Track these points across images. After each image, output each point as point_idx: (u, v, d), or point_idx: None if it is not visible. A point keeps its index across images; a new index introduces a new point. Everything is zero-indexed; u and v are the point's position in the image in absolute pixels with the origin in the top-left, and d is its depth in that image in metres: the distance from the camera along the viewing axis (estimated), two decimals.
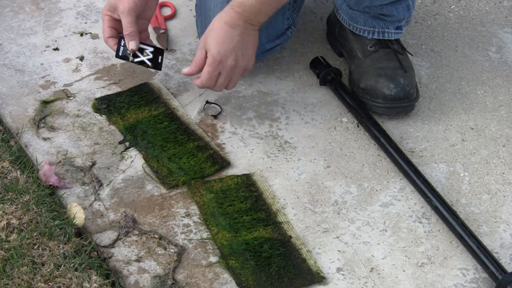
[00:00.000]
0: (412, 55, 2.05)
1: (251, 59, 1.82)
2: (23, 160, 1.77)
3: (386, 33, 1.95)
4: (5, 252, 1.56)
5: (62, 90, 1.96)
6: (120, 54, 1.87)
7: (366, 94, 1.91)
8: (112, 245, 1.64)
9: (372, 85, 1.90)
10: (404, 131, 1.91)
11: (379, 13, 1.92)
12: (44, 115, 1.89)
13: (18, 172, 1.72)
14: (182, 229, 1.68)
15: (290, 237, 1.66)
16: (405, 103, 1.90)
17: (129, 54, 1.87)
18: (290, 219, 1.70)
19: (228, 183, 1.76)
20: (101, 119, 1.89)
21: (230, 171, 1.79)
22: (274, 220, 1.69)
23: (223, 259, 1.61)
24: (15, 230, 1.60)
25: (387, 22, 1.94)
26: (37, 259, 1.56)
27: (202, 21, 1.96)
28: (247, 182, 1.76)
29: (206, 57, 1.79)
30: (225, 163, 1.80)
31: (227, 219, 1.68)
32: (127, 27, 1.84)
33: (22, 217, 1.63)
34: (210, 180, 1.76)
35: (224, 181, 1.76)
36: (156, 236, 1.66)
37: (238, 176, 1.78)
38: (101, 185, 1.75)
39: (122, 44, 1.87)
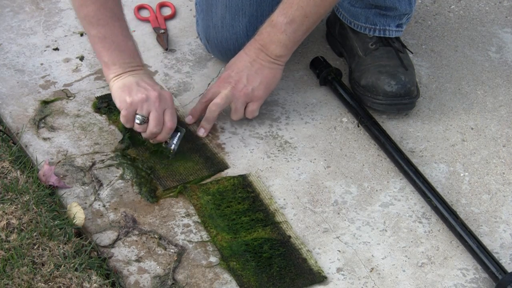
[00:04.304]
0: (412, 53, 2.05)
1: (260, 88, 1.82)
2: (23, 160, 1.77)
3: (387, 30, 1.96)
4: (5, 252, 1.55)
5: (62, 90, 1.96)
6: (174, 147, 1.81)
7: (367, 92, 1.91)
8: (112, 245, 1.64)
9: (373, 82, 1.90)
10: (404, 131, 1.91)
11: (382, 5, 1.92)
12: (44, 115, 1.89)
13: (18, 172, 1.72)
14: (182, 229, 1.68)
15: (290, 237, 1.66)
16: (406, 100, 1.90)
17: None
18: (290, 219, 1.70)
19: (224, 184, 1.76)
20: (101, 119, 1.89)
21: (230, 172, 1.79)
22: (273, 220, 1.69)
23: (224, 261, 1.61)
24: (15, 230, 1.60)
25: (388, 19, 1.94)
26: (37, 259, 1.56)
27: (204, 18, 1.96)
28: (244, 183, 1.76)
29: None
30: (223, 166, 1.80)
31: (226, 220, 1.68)
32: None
33: (22, 217, 1.62)
34: (206, 182, 1.76)
35: (221, 182, 1.76)
36: (156, 236, 1.65)
37: (234, 177, 1.77)
38: (101, 185, 1.75)
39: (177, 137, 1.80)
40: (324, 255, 1.64)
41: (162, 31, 2.12)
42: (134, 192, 1.74)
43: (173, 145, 1.79)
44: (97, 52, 1.78)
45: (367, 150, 1.86)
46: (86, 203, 1.71)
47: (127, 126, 1.77)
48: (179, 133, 1.79)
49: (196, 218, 1.69)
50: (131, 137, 1.83)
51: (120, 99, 1.75)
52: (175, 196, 1.73)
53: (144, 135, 1.78)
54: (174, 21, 2.17)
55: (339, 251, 1.65)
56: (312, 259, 1.62)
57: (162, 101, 1.74)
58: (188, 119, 1.87)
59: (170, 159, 1.80)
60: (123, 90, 1.75)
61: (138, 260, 1.61)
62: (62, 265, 1.55)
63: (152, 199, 1.72)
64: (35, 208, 1.64)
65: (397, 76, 1.89)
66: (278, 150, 1.85)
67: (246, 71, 1.80)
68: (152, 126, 1.75)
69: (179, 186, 1.74)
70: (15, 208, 1.64)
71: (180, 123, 1.83)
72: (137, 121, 1.75)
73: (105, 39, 1.75)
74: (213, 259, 1.62)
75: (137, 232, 1.66)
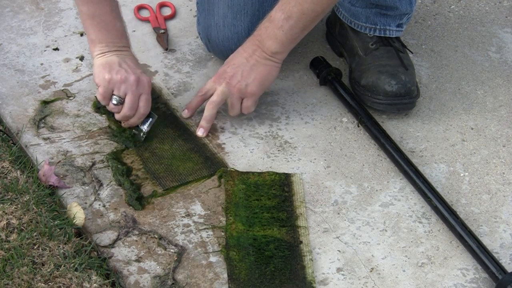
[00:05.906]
0: (412, 53, 2.05)
1: (253, 84, 1.81)
2: (23, 160, 1.77)
3: (388, 30, 1.96)
4: (5, 252, 1.55)
5: (62, 90, 1.96)
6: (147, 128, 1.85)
7: (367, 91, 1.91)
8: (112, 245, 1.64)
9: (373, 82, 1.90)
10: (404, 131, 1.91)
11: (382, 4, 1.92)
12: (44, 115, 1.89)
13: (18, 172, 1.72)
14: (182, 229, 1.68)
15: (301, 242, 1.65)
16: (406, 99, 1.90)
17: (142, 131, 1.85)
18: None
19: (265, 178, 1.76)
20: (101, 119, 1.89)
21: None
22: (293, 223, 1.68)
23: (225, 249, 1.61)
24: (15, 230, 1.60)
25: (388, 19, 1.95)
26: (37, 259, 1.56)
27: (205, 17, 1.96)
28: (284, 181, 1.76)
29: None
30: (222, 166, 1.80)
31: (247, 212, 1.68)
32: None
33: (22, 217, 1.63)
34: (248, 172, 1.77)
35: (262, 175, 1.76)
36: (156, 236, 1.65)
37: (277, 173, 1.77)
38: (101, 185, 1.75)
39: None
40: (324, 255, 1.64)
41: (162, 31, 2.12)
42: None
43: (144, 129, 1.83)
44: (86, 29, 1.81)
45: (367, 150, 1.86)
46: (86, 203, 1.71)
47: (103, 103, 1.82)
48: (151, 119, 1.83)
49: (196, 218, 1.70)
50: (131, 136, 1.84)
51: (99, 76, 1.78)
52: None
53: (117, 116, 1.82)
54: (174, 21, 2.17)
55: (339, 251, 1.65)
56: (310, 269, 1.61)
57: (139, 85, 1.78)
58: (184, 113, 1.88)
59: (141, 142, 1.83)
60: (104, 67, 1.78)
61: (138, 260, 1.61)
62: (62, 265, 1.55)
63: (138, 206, 1.71)
64: (35, 208, 1.64)
65: (397, 75, 1.90)
66: (278, 150, 1.85)
67: (241, 66, 1.81)
68: (126, 109, 1.79)
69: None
70: (15, 208, 1.64)
71: (154, 110, 1.86)
72: (113, 101, 1.79)
73: (94, 17, 1.78)
74: (213, 259, 1.62)
75: (137, 232, 1.66)
